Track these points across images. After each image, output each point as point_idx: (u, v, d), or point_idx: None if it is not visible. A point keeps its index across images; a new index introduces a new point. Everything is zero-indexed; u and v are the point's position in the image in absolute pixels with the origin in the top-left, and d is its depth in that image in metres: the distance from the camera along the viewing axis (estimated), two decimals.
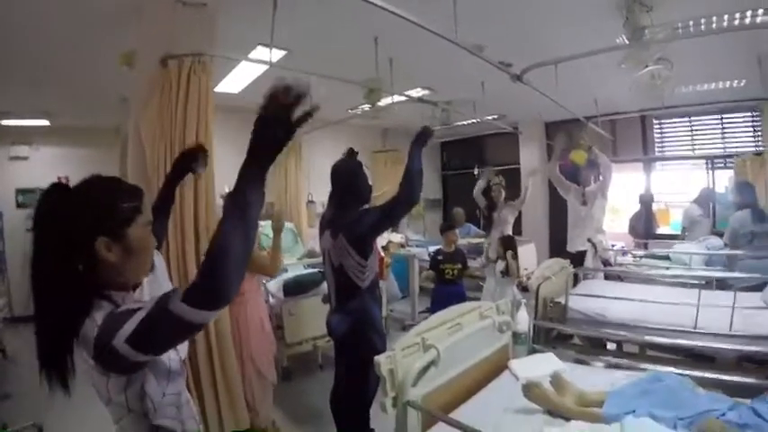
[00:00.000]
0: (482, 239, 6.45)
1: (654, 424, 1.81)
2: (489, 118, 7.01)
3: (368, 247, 2.70)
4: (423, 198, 8.96)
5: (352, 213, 2.72)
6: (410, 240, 7.57)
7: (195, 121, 3.01)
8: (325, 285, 3.52)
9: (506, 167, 8.19)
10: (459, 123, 7.30)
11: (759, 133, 6.81)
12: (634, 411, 1.92)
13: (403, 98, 5.46)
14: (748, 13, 3.81)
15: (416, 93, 5.97)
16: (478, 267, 5.44)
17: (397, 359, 2.09)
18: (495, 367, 2.70)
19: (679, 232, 6.51)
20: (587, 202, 5.34)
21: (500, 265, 4.79)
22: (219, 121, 3.46)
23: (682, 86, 5.77)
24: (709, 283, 3.88)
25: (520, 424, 2.10)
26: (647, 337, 3.28)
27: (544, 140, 8.51)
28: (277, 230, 3.26)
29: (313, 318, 4.52)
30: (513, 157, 8.84)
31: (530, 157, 8.61)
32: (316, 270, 4.91)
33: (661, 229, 7.60)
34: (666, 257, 5.57)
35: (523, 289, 4.17)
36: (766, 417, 1.73)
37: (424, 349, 2.21)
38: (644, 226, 7.13)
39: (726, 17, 3.86)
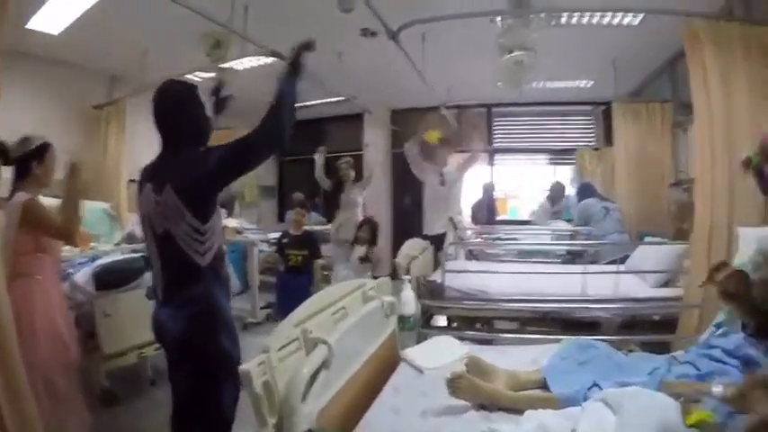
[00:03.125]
0: (325, 226, 6.12)
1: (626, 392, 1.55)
2: (336, 99, 6.57)
3: (208, 203, 1.87)
4: (257, 185, 8.41)
5: (185, 156, 1.88)
6: (245, 230, 6.78)
7: None
8: (150, 274, 2.58)
9: (350, 153, 7.79)
10: (304, 104, 6.74)
11: (592, 131, 7.80)
12: (589, 388, 1.70)
13: (254, 61, 4.77)
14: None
15: (259, 61, 5.19)
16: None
17: (274, 365, 1.41)
18: (387, 360, 2.19)
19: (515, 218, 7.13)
20: (446, 182, 5.10)
21: (358, 250, 4.32)
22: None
23: (533, 82, 5.96)
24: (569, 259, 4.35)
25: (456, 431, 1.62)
26: (548, 306, 3.27)
27: (389, 126, 8.29)
28: (73, 176, 2.37)
29: (137, 319, 3.29)
30: (356, 143, 8.40)
31: (375, 142, 8.24)
32: (138, 255, 3.76)
33: (500, 217, 7.90)
34: (514, 239, 5.79)
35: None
36: (723, 358, 1.69)
37: (309, 346, 1.55)
38: (486, 213, 7.25)
39: (598, 14, 4.04)
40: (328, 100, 6.52)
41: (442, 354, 2.21)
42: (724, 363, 1.69)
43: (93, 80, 5.75)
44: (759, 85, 2.79)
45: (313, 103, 6.94)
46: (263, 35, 3.76)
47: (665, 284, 3.45)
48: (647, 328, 3.23)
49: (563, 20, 4.13)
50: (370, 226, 4.44)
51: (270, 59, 4.68)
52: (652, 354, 2.09)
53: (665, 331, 2.97)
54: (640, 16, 3.99)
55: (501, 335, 3.35)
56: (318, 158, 5.60)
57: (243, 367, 1.32)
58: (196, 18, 3.23)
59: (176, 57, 4.66)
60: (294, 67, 1.94)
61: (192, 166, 1.82)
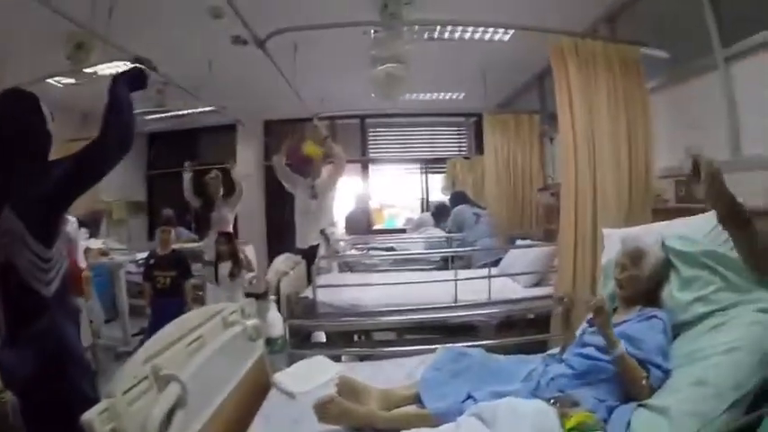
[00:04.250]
0: (197, 244, 5.76)
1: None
2: (207, 109, 6.18)
3: (54, 224, 1.68)
4: (125, 201, 7.72)
5: (24, 172, 1.66)
6: (111, 251, 6.12)
7: None
8: None
9: (223, 166, 7.41)
10: (173, 114, 6.34)
11: (464, 141, 8.21)
12: (464, 401, 1.69)
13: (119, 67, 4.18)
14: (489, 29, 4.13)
15: (124, 67, 4.69)
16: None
17: (120, 410, 1.18)
18: (258, 387, 2.03)
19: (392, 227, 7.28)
20: (318, 195, 4.96)
21: (224, 267, 4.03)
22: None
23: (407, 94, 5.94)
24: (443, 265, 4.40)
25: None
26: (421, 316, 3.24)
27: (262, 138, 8.00)
28: None
29: None
30: (230, 155, 7.97)
31: (247, 155, 7.95)
32: None
33: (376, 227, 7.96)
34: (391, 248, 5.82)
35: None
36: (597, 355, 1.72)
37: (161, 384, 1.36)
38: (361, 223, 7.22)
39: (471, 29, 4.13)
40: (200, 110, 6.11)
41: (313, 375, 2.11)
42: (598, 360, 1.71)
43: None
44: (619, 98, 3.01)
45: (184, 112, 6.46)
46: (128, 40, 3.41)
47: (537, 284, 3.61)
48: (524, 328, 3.32)
49: (435, 34, 4.19)
50: (226, 238, 4.17)
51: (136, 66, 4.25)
52: (528, 355, 2.14)
53: (541, 329, 3.07)
54: (510, 32, 4.17)
55: (379, 349, 3.24)
56: (186, 176, 5.30)
57: (85, 417, 1.12)
58: (57, 19, 2.83)
59: (36, 60, 4.09)
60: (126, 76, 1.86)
61: (33, 182, 1.60)
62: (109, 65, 4.09)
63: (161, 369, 1.39)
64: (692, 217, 2.18)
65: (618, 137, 2.98)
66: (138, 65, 1.96)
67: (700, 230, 1.99)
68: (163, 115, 5.98)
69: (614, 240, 2.27)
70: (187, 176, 5.30)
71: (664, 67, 3.30)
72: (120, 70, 1.87)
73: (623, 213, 2.93)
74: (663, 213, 2.71)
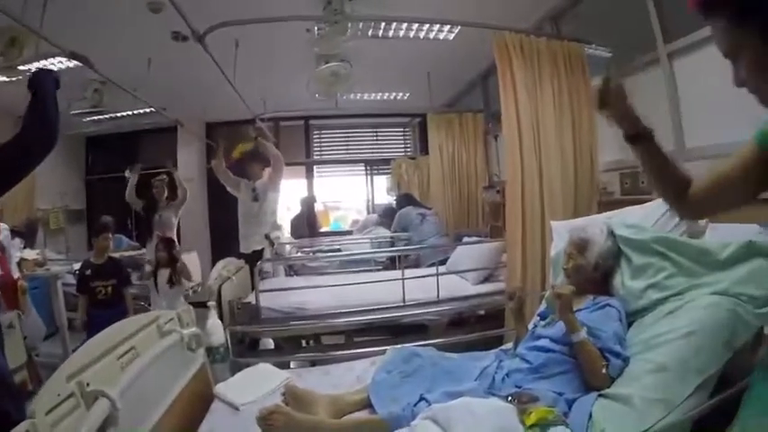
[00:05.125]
0: (139, 251, 5.52)
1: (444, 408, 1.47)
2: (147, 110, 5.86)
3: None
4: (63, 209, 7.25)
5: None
6: (49, 261, 5.73)
7: None
8: None
9: (165, 170, 7.10)
10: (112, 116, 5.91)
11: (409, 141, 8.20)
12: (416, 404, 1.60)
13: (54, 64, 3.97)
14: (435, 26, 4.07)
15: (60, 64, 4.38)
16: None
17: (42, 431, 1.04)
18: (200, 399, 1.88)
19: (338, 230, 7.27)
20: (259, 197, 4.82)
21: (163, 274, 3.82)
22: None
23: (351, 94, 5.89)
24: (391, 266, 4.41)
25: None
26: (370, 317, 3.18)
27: (204, 141, 7.71)
28: None
29: None
30: (172, 158, 7.62)
31: (189, 158, 7.68)
32: None
33: (323, 229, 7.93)
34: (338, 251, 5.77)
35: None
36: (552, 347, 1.71)
37: (89, 401, 1.23)
38: (306, 227, 7.16)
39: (415, 27, 4.05)
40: (138, 111, 5.81)
41: (258, 384, 2.00)
42: (553, 351, 1.69)
43: None
44: (564, 95, 3.06)
45: (123, 114, 6.10)
46: (63, 35, 3.18)
47: (486, 280, 3.61)
48: (475, 324, 3.32)
49: (380, 32, 4.12)
50: (165, 244, 3.95)
51: (72, 63, 3.93)
52: (481, 352, 2.10)
53: (493, 325, 3.01)
54: (455, 31, 4.15)
55: (328, 353, 3.14)
56: (131, 178, 5.10)
57: None
58: None
59: None
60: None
61: None
62: (44, 62, 3.85)
63: (87, 385, 1.26)
64: (637, 206, 2.21)
65: (563, 132, 3.02)
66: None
67: (647, 219, 2.02)
68: (101, 117, 5.62)
69: (562, 232, 2.29)
70: (133, 179, 5.11)
71: (609, 63, 3.38)
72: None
73: (570, 206, 2.97)
74: (608, 205, 2.74)
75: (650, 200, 2.17)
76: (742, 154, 1.05)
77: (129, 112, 5.98)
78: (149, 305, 4.26)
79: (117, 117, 6.10)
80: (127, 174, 5.10)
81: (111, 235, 4.15)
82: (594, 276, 1.88)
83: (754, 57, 0.84)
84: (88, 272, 3.78)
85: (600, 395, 1.50)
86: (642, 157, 1.14)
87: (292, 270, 5.03)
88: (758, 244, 1.59)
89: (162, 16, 3.01)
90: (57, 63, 4.20)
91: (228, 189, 4.96)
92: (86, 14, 3.47)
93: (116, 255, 4.54)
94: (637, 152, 1.14)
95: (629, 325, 1.76)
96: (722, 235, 1.81)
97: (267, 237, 4.78)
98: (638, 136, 1.13)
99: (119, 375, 1.40)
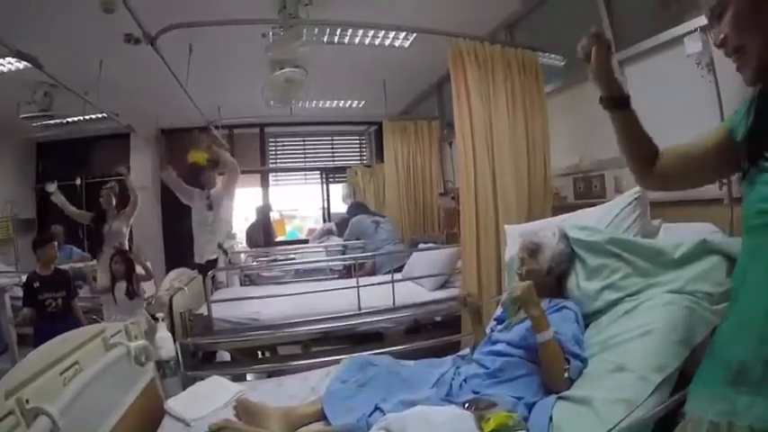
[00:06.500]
0: (90, 262, 5.27)
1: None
2: (99, 116, 5.61)
3: None
4: (12, 218, 6.91)
5: None
6: None
7: None
8: None
9: (117, 178, 6.86)
10: (63, 121, 5.71)
11: (365, 149, 8.23)
12: (371, 414, 1.58)
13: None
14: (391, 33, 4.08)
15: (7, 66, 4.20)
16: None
17: None
18: (151, 416, 1.80)
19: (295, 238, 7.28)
20: (213, 205, 4.70)
21: (120, 286, 3.66)
22: None
23: (307, 102, 5.93)
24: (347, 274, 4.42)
25: None
26: (325, 326, 3.13)
27: (158, 148, 7.46)
28: None
29: None
30: (124, 165, 7.40)
31: (142, 165, 7.40)
32: None
33: (279, 238, 7.77)
34: (290, 260, 5.73)
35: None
36: (509, 351, 1.71)
37: (29, 419, 1.18)
38: (262, 236, 7.05)
39: (371, 33, 4.08)
40: (91, 116, 5.47)
41: (210, 398, 1.91)
42: (510, 355, 1.69)
43: None
44: (518, 101, 3.09)
45: (74, 119, 5.81)
46: (11, 34, 3.02)
47: (443, 286, 3.60)
48: (433, 331, 3.30)
49: (336, 38, 4.12)
50: (122, 257, 3.78)
51: (22, 64, 3.80)
52: (438, 358, 2.09)
53: (450, 331, 3.01)
54: (411, 38, 4.17)
55: (286, 363, 3.06)
56: (55, 196, 4.92)
57: None
58: None
59: None
60: None
61: None
62: None
63: (27, 401, 1.21)
64: (591, 208, 2.24)
65: (517, 138, 3.05)
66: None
67: (601, 221, 2.04)
68: (52, 122, 5.37)
69: (516, 236, 2.30)
70: (57, 196, 4.92)
71: (563, 71, 3.46)
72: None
73: (524, 211, 2.99)
74: (562, 210, 2.78)
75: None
76: (714, 137, 1.08)
77: (81, 117, 5.68)
78: (101, 319, 4.04)
79: (68, 122, 5.86)
80: (52, 193, 4.89)
81: (56, 244, 3.94)
82: (548, 280, 1.89)
83: (741, 7, 0.86)
84: (36, 284, 3.55)
85: (560, 398, 1.49)
86: (616, 123, 1.14)
87: (249, 280, 4.95)
88: (712, 242, 1.63)
89: (115, 17, 2.87)
90: (5, 63, 4.02)
91: (181, 199, 4.85)
92: (36, 13, 3.31)
93: (65, 266, 4.33)
94: (612, 118, 1.14)
95: (586, 326, 1.76)
96: (675, 235, 1.84)
97: (220, 246, 4.69)
98: (615, 101, 1.13)
99: (61, 391, 1.34)
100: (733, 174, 1.05)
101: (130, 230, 5.12)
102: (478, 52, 3.03)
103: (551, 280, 1.90)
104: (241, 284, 4.72)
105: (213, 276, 3.55)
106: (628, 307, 1.66)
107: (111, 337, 1.81)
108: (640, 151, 1.14)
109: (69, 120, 5.78)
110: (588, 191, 3.01)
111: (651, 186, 1.20)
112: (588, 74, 1.17)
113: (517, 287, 1.66)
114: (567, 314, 1.72)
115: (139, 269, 3.82)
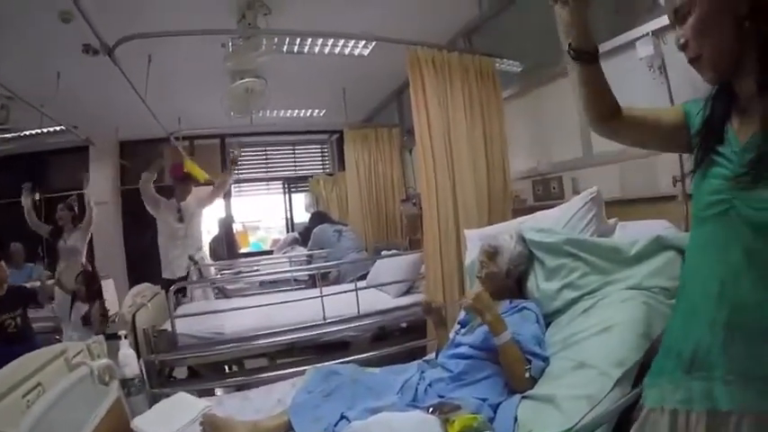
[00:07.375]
0: (49, 281, 4.99)
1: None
2: (56, 129, 5.41)
3: None
4: None
5: None
6: None
7: None
8: None
9: (76, 192, 6.60)
10: (19, 134, 5.49)
11: (327, 158, 8.16)
12: (337, 423, 1.58)
13: None
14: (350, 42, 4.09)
15: None
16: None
17: None
18: None
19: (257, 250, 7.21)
20: (185, 218, 4.58)
21: (79, 308, 3.53)
22: None
23: (267, 111, 5.85)
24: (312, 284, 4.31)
25: None
26: (291, 337, 3.10)
27: (118, 161, 7.26)
28: None
29: None
30: (81, 180, 7.16)
31: (102, 180, 7.13)
32: None
33: (242, 250, 7.71)
34: (254, 271, 5.74)
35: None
36: (472, 353, 1.72)
37: None
38: (225, 248, 6.96)
39: (330, 42, 4.05)
40: (48, 129, 5.28)
41: (177, 415, 1.89)
42: (473, 358, 1.71)
43: None
44: (476, 107, 3.13)
45: (28, 133, 5.59)
46: None
47: (407, 292, 3.61)
48: (399, 337, 3.30)
49: (295, 47, 4.08)
50: (86, 278, 3.64)
51: None
52: (402, 364, 2.09)
53: (417, 337, 3.01)
54: (370, 47, 4.17)
55: (254, 376, 3.01)
56: (25, 202, 4.77)
57: None
58: None
59: None
60: None
61: None
62: None
63: None
64: (548, 210, 2.27)
65: (475, 143, 3.09)
66: None
67: (558, 222, 2.07)
68: (9, 136, 5.17)
69: (476, 240, 2.33)
70: (27, 203, 4.76)
71: (521, 76, 3.53)
72: None
73: (484, 215, 3.03)
74: (522, 212, 2.81)
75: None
76: (671, 113, 1.12)
77: (38, 131, 5.51)
78: (60, 339, 3.89)
79: (25, 135, 5.64)
80: (22, 199, 4.70)
81: (2, 264, 3.77)
82: (508, 282, 1.92)
83: (705, 12, 0.88)
84: None
85: (524, 397, 1.51)
86: (582, 76, 1.10)
87: (221, 293, 4.83)
88: (666, 238, 1.68)
89: (73, 27, 2.79)
90: None
91: (148, 208, 4.66)
92: None
93: (27, 284, 4.10)
94: (579, 69, 1.10)
95: (547, 326, 1.79)
96: (631, 233, 1.89)
97: (191, 258, 4.58)
98: (584, 52, 1.09)
99: (24, 414, 1.31)
100: (679, 151, 1.10)
101: (92, 247, 4.98)
102: (436, 59, 3.06)
103: (511, 282, 1.93)
104: (215, 297, 4.63)
105: (177, 291, 3.45)
106: (586, 305, 1.69)
107: (74, 357, 1.75)
108: (603, 104, 1.12)
109: (26, 133, 5.56)
110: (547, 193, 3.07)
111: (603, 135, 1.18)
112: (558, 25, 1.13)
113: (467, 296, 1.69)
114: (527, 315, 1.74)
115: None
